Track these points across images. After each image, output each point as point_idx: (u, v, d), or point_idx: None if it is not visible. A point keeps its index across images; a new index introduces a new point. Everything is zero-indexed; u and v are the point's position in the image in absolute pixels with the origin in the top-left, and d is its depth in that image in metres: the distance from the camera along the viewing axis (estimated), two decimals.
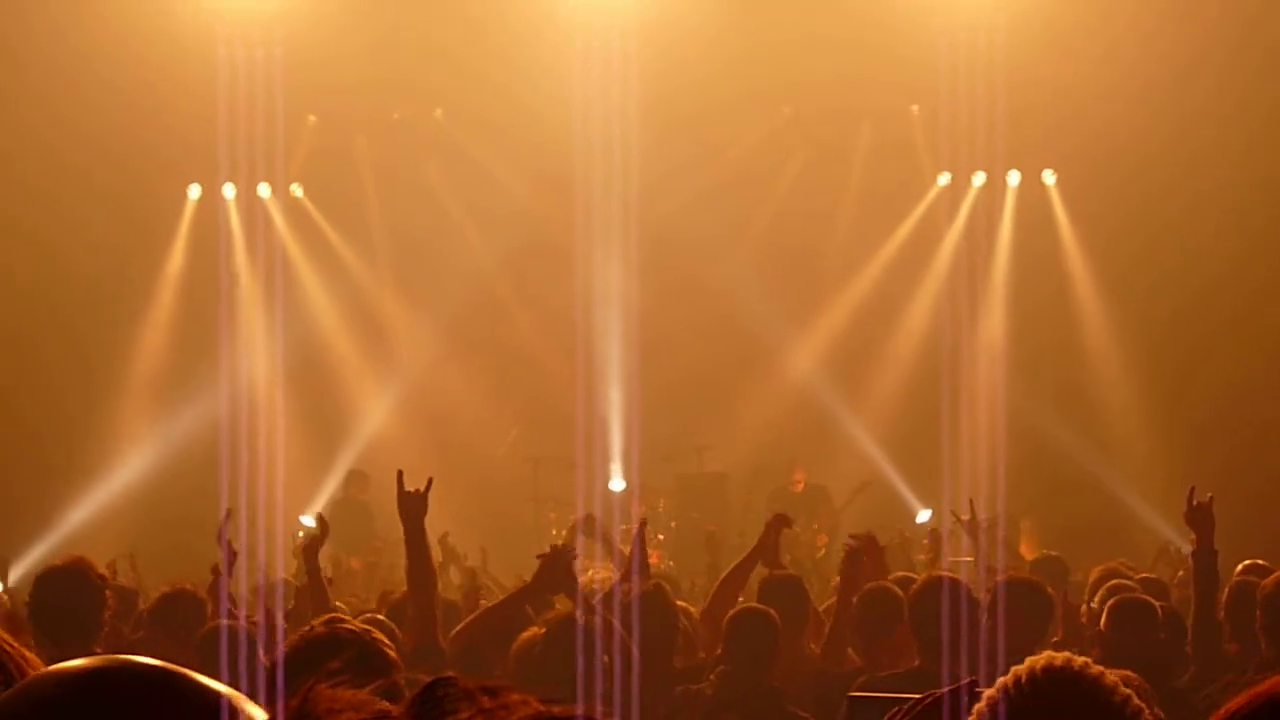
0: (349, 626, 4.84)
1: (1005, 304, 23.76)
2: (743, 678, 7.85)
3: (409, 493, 8.15)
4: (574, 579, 8.70)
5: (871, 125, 24.16)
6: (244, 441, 21.69)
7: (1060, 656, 3.15)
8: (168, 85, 22.00)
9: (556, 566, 8.69)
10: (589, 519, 8.96)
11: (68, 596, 7.28)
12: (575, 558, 8.94)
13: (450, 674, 1.29)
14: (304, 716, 1.25)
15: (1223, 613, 8.77)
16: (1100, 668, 3.14)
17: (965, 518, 12.30)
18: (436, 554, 8.72)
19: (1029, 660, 3.13)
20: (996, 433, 22.62)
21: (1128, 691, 3.12)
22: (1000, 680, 3.13)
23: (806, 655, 8.96)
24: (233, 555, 9.01)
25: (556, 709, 1.23)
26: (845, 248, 24.38)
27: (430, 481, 8.21)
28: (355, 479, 21.27)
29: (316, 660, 4.45)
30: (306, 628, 4.95)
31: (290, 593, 11.77)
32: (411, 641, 7.61)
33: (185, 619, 8.25)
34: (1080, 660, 3.14)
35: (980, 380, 23.40)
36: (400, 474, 8.25)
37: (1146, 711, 3.10)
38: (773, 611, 8.19)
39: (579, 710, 1.26)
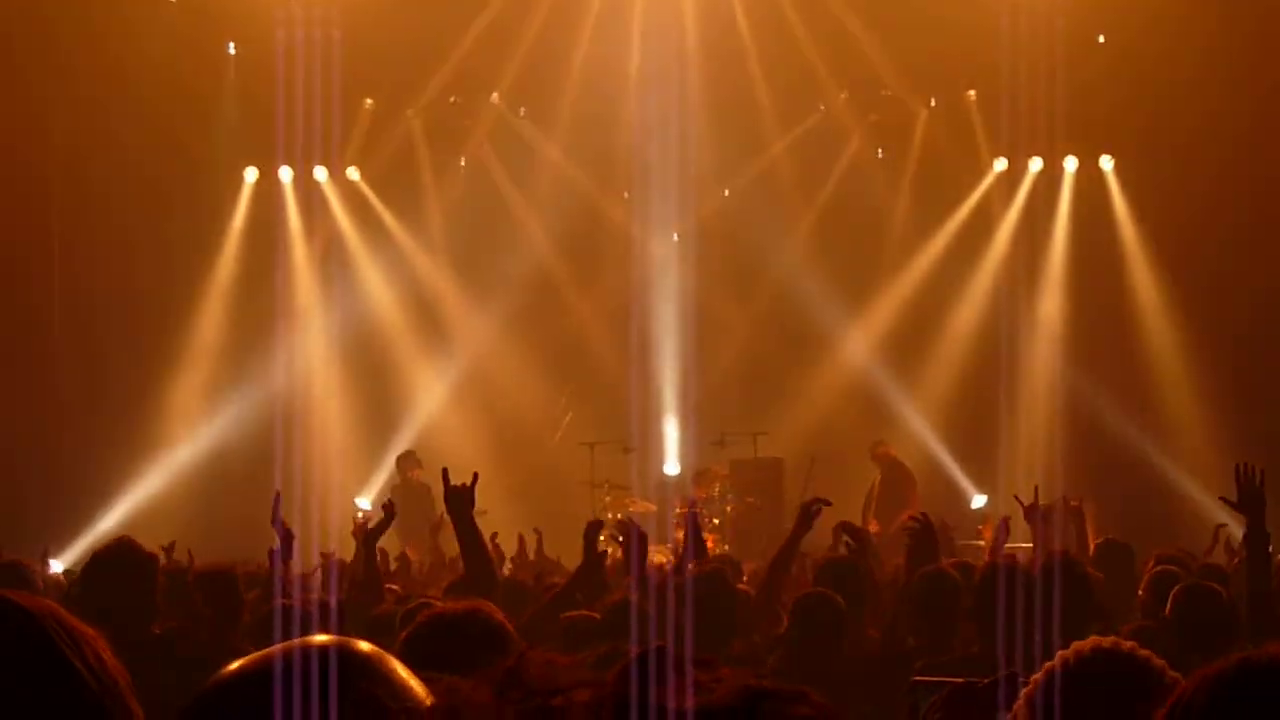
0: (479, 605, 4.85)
1: (1062, 290, 23.65)
2: (805, 660, 7.84)
3: (454, 487, 8.13)
4: (597, 551, 8.77)
5: (928, 111, 24.09)
6: (299, 424, 21.78)
7: (1108, 639, 3.14)
8: (226, 68, 22.11)
9: (589, 545, 8.74)
10: (626, 523, 8.99)
11: (119, 578, 7.31)
12: (600, 530, 8.94)
13: (662, 643, 1.31)
14: (518, 681, 1.27)
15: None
16: (1148, 651, 3.14)
17: (1027, 504, 12.19)
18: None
19: (1076, 643, 3.13)
20: (1053, 418, 22.55)
21: (1176, 674, 3.11)
22: (1048, 663, 3.13)
23: (865, 638, 8.95)
24: (289, 536, 9.02)
25: (766, 683, 1.25)
26: (901, 233, 24.32)
27: (475, 476, 8.18)
28: (407, 459, 21.29)
29: (455, 634, 4.48)
30: (439, 603, 4.94)
31: (346, 575, 11.81)
32: None
33: (221, 597, 8.27)
34: (1128, 643, 3.14)
35: (1037, 366, 23.32)
36: (445, 471, 8.24)
37: None
38: (839, 597, 8.18)
39: (792, 688, 1.27)
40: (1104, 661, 3.08)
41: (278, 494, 9.38)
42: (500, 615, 4.71)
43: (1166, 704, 2.49)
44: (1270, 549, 8.47)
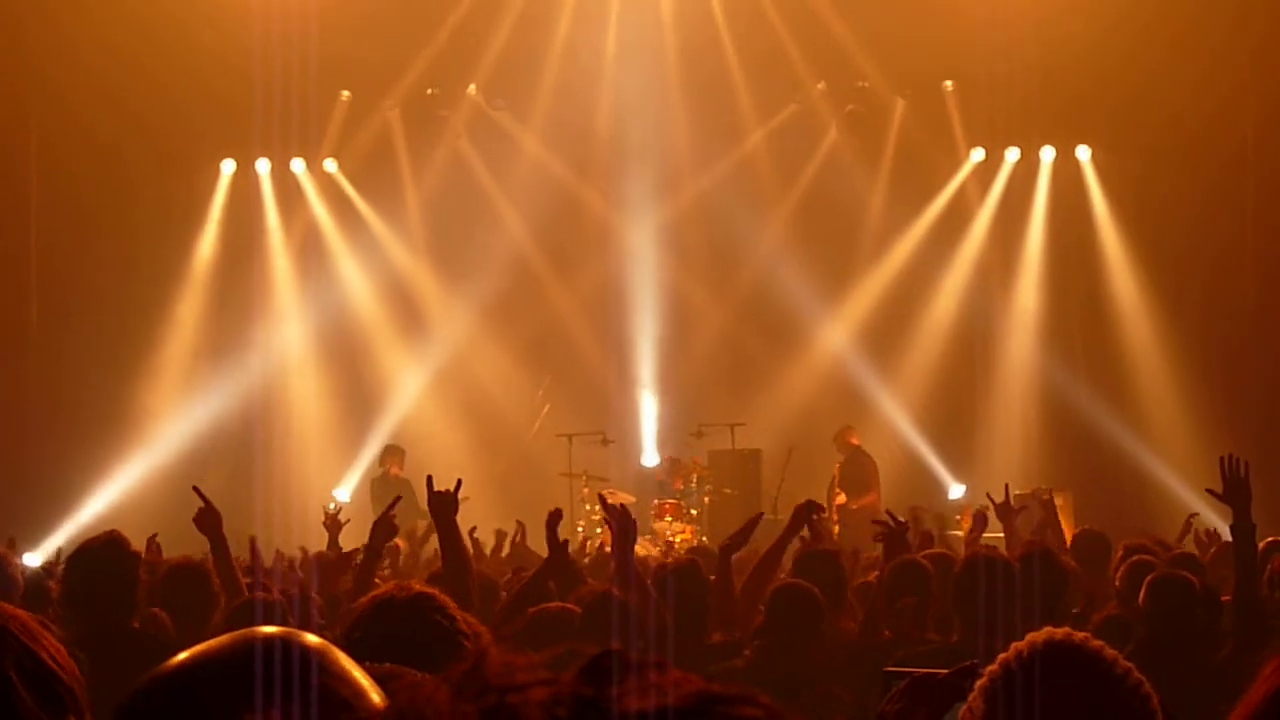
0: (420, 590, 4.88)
1: (1038, 280, 23.71)
2: (781, 652, 7.85)
3: (439, 492, 8.20)
4: (559, 541, 8.82)
5: (905, 101, 24.11)
6: (277, 416, 21.77)
7: (1061, 630, 3.16)
8: (202, 60, 22.07)
9: (552, 534, 8.81)
10: (555, 514, 9.07)
11: (103, 573, 7.32)
12: (560, 519, 9.08)
13: (617, 647, 1.34)
14: (477, 679, 1.30)
15: (1266, 589, 8.74)
16: (1101, 642, 3.16)
17: (999, 501, 12.25)
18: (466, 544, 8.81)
19: (1030, 635, 3.15)
20: (1030, 408, 22.63)
21: (1129, 665, 3.13)
22: (1002, 655, 3.14)
23: (841, 630, 8.97)
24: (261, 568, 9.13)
25: (717, 687, 1.28)
26: (879, 224, 24.34)
27: (459, 482, 8.28)
28: (390, 454, 21.30)
29: (393, 622, 4.52)
30: (381, 590, 4.98)
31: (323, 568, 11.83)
32: None
33: (193, 592, 8.28)
34: (1081, 634, 3.16)
35: (1014, 356, 23.38)
36: (429, 477, 8.33)
37: (1147, 684, 3.11)
38: (815, 589, 8.19)
39: (741, 690, 1.30)
40: (1056, 653, 3.10)
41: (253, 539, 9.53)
42: (448, 603, 4.74)
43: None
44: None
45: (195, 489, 8.98)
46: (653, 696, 1.24)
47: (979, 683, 3.13)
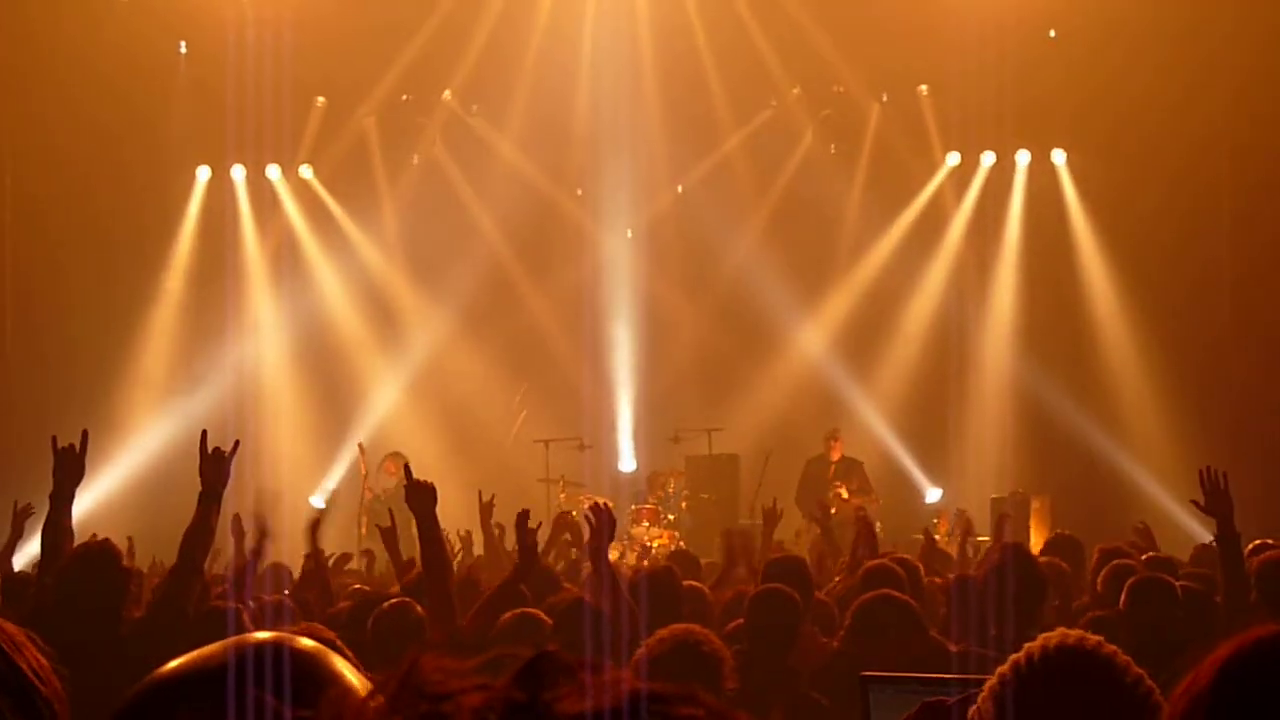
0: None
1: (1015, 284, 23.72)
2: (760, 659, 7.81)
3: (418, 482, 8.11)
4: (528, 541, 8.54)
5: (880, 105, 24.13)
6: (252, 423, 21.68)
7: (1073, 634, 3.12)
8: (176, 67, 22.02)
9: (523, 534, 8.61)
10: (523, 514, 8.78)
11: (96, 579, 7.28)
12: (528, 518, 8.69)
13: (552, 648, 1.33)
14: (411, 685, 1.28)
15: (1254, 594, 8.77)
16: (1113, 647, 3.13)
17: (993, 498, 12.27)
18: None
19: (1041, 637, 3.11)
20: (1005, 413, 22.65)
21: (1139, 671, 3.10)
22: (1011, 657, 3.11)
23: (809, 634, 8.95)
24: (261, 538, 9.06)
25: (656, 686, 1.26)
26: (855, 228, 24.33)
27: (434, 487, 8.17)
28: (393, 461, 21.24)
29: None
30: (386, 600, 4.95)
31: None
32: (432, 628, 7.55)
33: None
34: (1094, 639, 3.12)
35: (990, 360, 23.39)
36: (407, 465, 8.26)
37: (1158, 692, 3.07)
38: (795, 593, 8.16)
39: (680, 689, 1.28)
40: (1067, 657, 3.07)
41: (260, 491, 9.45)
42: (419, 610, 4.73)
43: (1181, 692, 2.49)
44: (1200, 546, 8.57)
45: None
46: (588, 698, 1.24)
47: (988, 683, 3.08)
